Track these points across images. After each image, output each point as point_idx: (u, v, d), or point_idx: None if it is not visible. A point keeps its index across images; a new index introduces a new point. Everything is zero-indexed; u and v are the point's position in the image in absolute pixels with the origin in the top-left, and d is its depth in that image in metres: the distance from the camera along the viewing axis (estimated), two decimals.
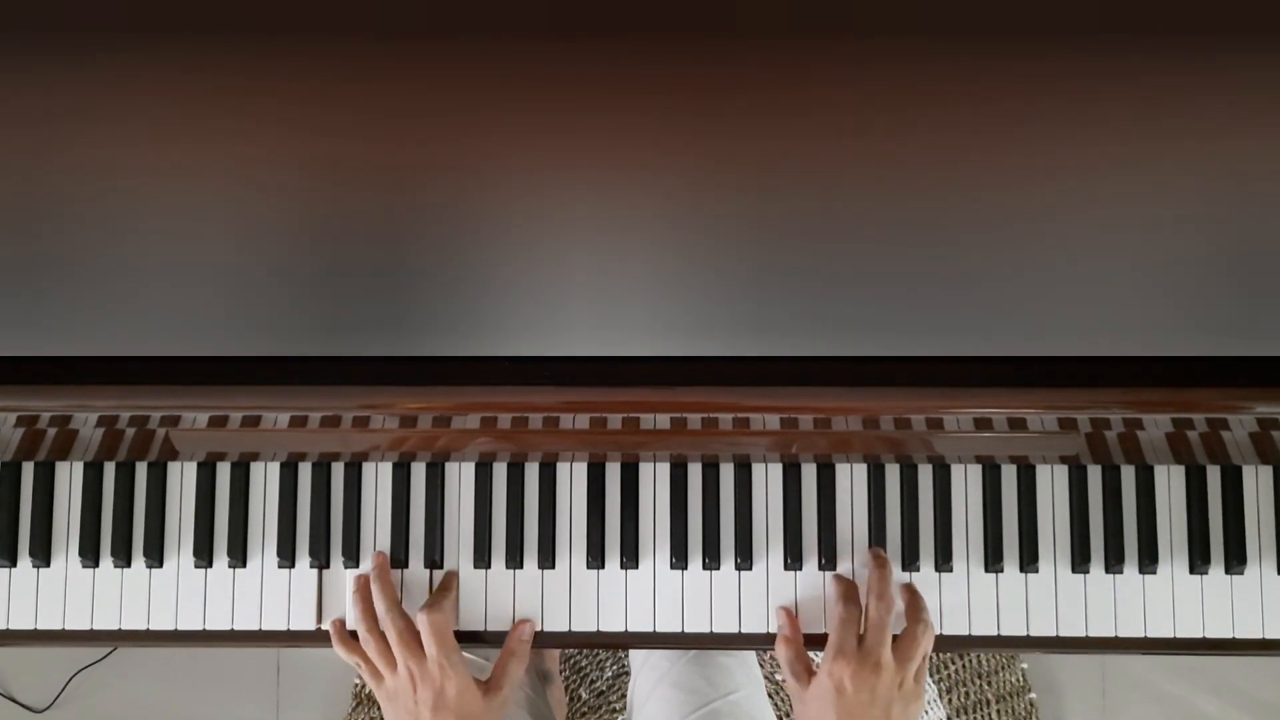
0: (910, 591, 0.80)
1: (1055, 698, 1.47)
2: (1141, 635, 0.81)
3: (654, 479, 0.82)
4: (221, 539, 0.82)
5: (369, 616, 0.79)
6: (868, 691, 0.74)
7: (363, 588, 0.80)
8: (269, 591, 0.82)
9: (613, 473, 0.82)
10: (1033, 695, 1.46)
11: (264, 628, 0.82)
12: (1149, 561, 0.80)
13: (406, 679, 0.77)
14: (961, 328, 0.63)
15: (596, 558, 0.81)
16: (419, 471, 0.82)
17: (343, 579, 0.82)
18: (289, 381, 0.66)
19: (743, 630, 0.81)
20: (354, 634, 0.80)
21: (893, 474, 0.82)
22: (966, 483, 0.82)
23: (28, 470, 0.83)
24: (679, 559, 0.81)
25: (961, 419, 0.71)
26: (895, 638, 0.77)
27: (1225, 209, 0.62)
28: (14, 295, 0.64)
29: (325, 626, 0.81)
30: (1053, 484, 0.82)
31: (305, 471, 0.82)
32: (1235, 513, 0.80)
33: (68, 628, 0.82)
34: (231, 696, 1.49)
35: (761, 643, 0.82)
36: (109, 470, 0.83)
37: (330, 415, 0.71)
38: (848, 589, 0.78)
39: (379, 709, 1.44)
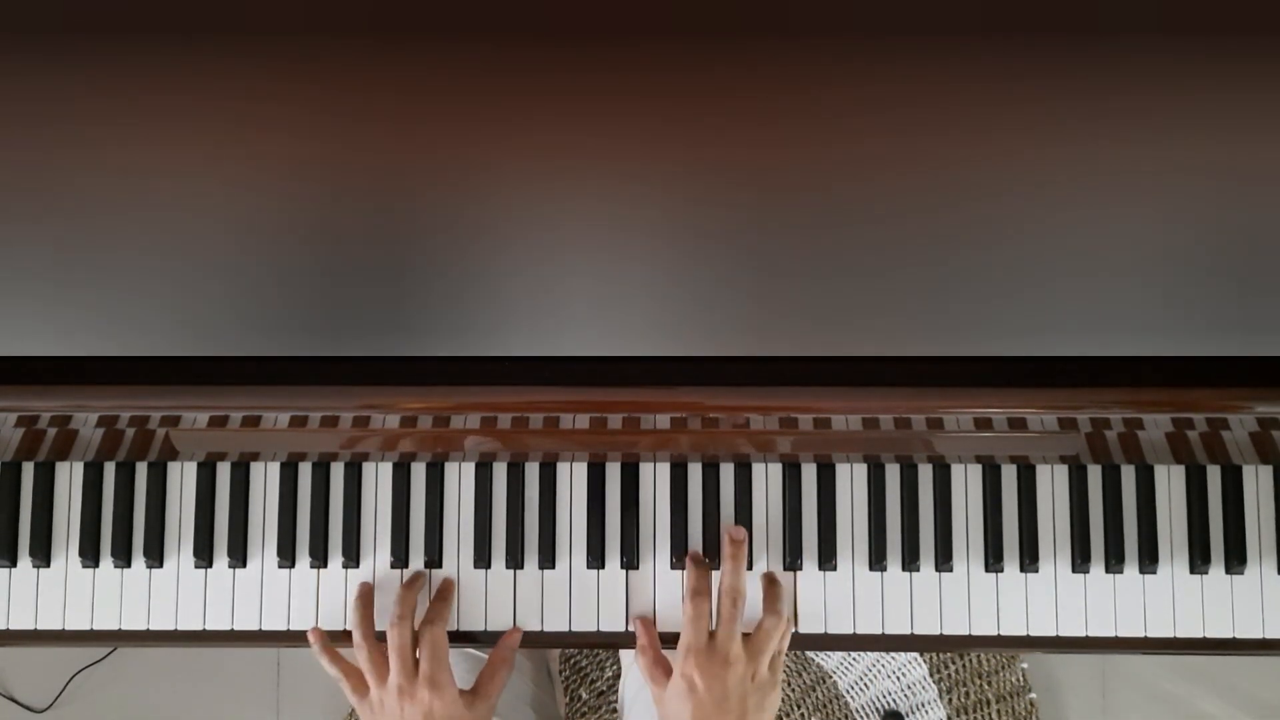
0: (769, 581, 0.80)
1: (1055, 698, 1.47)
2: (1141, 635, 0.81)
3: (654, 479, 0.82)
4: (221, 539, 0.82)
5: (367, 624, 0.79)
6: (720, 686, 0.74)
7: (364, 595, 0.80)
8: (269, 592, 0.82)
9: (613, 473, 0.82)
10: (1033, 695, 1.46)
11: (264, 628, 0.82)
12: (1149, 561, 0.80)
13: (395, 692, 0.76)
14: (961, 328, 0.63)
15: (596, 558, 0.81)
16: (419, 471, 0.82)
17: (342, 579, 0.82)
18: (289, 381, 0.66)
19: None
20: (334, 636, 0.80)
21: (893, 474, 0.82)
22: (966, 483, 0.82)
23: (28, 470, 0.83)
24: (679, 559, 0.81)
25: (961, 419, 0.71)
26: (751, 631, 0.77)
27: (1225, 209, 0.62)
28: (14, 295, 0.64)
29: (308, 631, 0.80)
30: (1053, 484, 0.82)
31: (305, 471, 0.82)
32: (1235, 512, 0.80)
33: (68, 628, 0.82)
34: (231, 696, 1.49)
35: None
36: (109, 470, 0.83)
37: (330, 415, 0.71)
38: (697, 583, 0.78)
39: None
